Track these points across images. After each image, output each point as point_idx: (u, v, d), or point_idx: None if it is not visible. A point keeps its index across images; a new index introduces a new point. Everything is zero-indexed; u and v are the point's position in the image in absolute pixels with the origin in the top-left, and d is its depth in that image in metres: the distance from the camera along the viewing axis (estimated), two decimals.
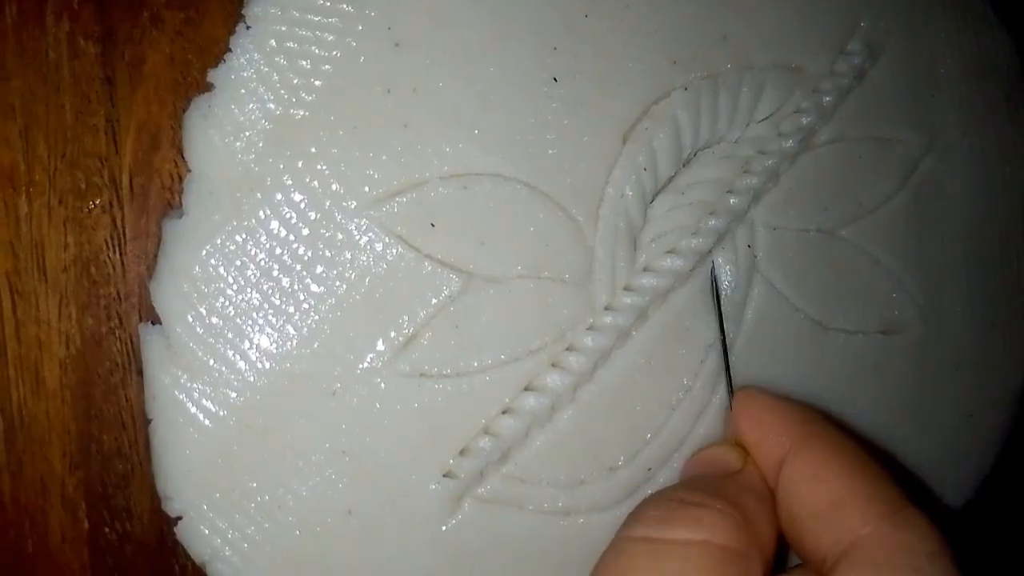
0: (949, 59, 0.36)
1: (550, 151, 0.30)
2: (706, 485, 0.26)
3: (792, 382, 0.33)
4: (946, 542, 0.23)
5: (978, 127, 0.36)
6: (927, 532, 0.23)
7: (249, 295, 0.28)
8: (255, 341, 0.28)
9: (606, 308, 0.30)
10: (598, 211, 0.30)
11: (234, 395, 0.28)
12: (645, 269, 0.31)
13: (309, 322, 0.28)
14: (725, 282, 0.32)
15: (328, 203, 0.28)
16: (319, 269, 0.28)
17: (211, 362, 0.27)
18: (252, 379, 0.28)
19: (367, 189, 0.28)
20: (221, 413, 0.27)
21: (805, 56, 0.33)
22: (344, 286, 0.28)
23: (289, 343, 0.28)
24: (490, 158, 0.29)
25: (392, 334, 0.28)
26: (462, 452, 0.29)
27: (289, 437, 0.28)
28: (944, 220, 0.36)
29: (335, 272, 0.28)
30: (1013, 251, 0.38)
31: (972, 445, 0.36)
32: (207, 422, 0.27)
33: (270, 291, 0.28)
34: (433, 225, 0.29)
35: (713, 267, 0.31)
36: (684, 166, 0.32)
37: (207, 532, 0.28)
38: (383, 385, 0.28)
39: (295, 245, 0.28)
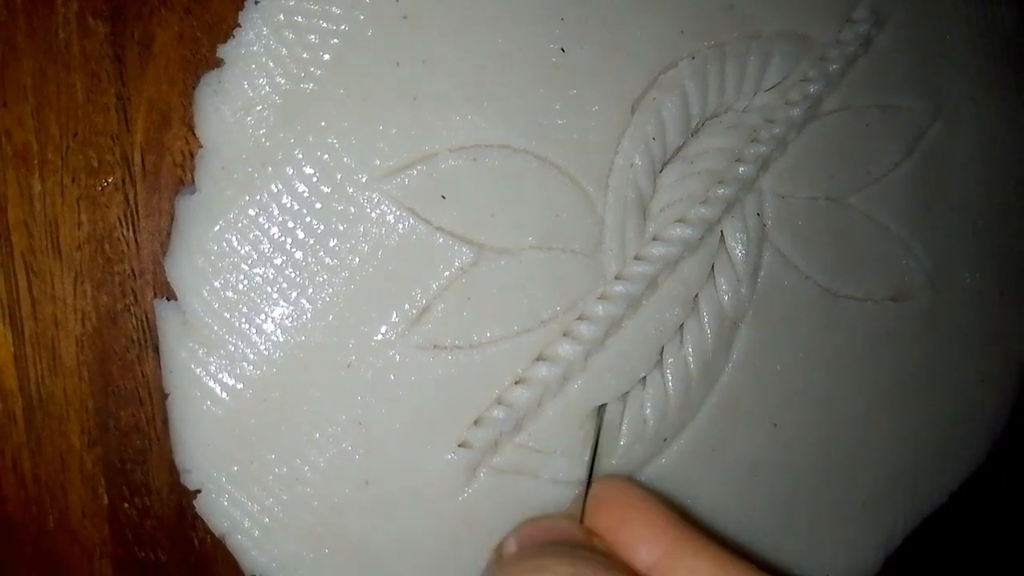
0: (956, 27, 0.36)
1: (559, 121, 0.30)
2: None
3: (803, 349, 0.33)
4: None
5: (986, 95, 0.36)
6: None
7: (263, 269, 0.28)
8: (270, 315, 0.28)
9: (616, 277, 0.31)
10: (607, 181, 0.31)
11: (250, 368, 0.28)
12: (655, 238, 0.31)
13: (323, 295, 0.28)
14: (738, 251, 0.32)
15: (339, 176, 0.28)
16: (332, 242, 0.28)
17: (227, 336, 0.28)
18: (268, 352, 0.28)
19: (378, 162, 0.28)
20: (238, 386, 0.28)
21: (812, 24, 0.33)
22: (357, 259, 0.28)
23: (303, 316, 0.28)
24: (499, 130, 0.29)
25: (405, 306, 0.29)
26: (476, 422, 0.29)
27: (305, 409, 0.28)
28: (951, 187, 0.36)
29: (348, 245, 0.28)
30: (1018, 219, 0.38)
31: (985, 409, 0.36)
32: (224, 395, 0.28)
33: (284, 265, 0.28)
34: (444, 197, 0.29)
35: (601, 412, 0.31)
36: (692, 135, 0.32)
37: (226, 504, 0.28)
38: (397, 357, 0.29)
39: (308, 219, 0.28)
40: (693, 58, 0.31)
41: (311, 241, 0.28)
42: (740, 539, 0.33)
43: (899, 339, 0.35)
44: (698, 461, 0.32)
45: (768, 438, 0.33)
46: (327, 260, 0.28)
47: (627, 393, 0.31)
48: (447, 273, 0.29)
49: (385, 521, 0.29)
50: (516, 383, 0.30)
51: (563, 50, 0.30)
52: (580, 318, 0.30)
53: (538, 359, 0.30)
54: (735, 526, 0.32)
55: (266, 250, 0.28)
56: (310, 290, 0.28)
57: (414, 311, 0.29)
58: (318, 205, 0.28)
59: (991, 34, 0.37)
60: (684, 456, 0.32)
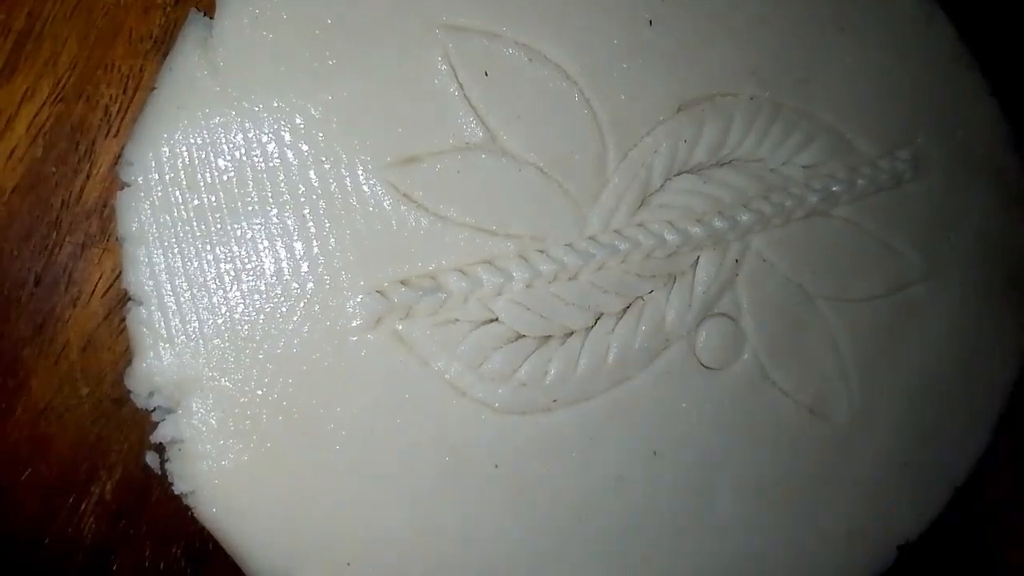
0: (974, 218, 0.38)
1: (621, 66, 0.31)
2: None
3: (708, 406, 0.33)
4: None
5: (975, 288, 0.38)
6: None
7: None
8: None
9: (590, 236, 0.32)
10: (629, 151, 0.32)
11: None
12: (640, 224, 0.32)
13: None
14: (702, 281, 0.33)
15: None
16: None
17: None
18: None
19: None
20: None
21: (861, 137, 0.35)
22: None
23: None
24: (558, 48, 0.31)
25: (401, 142, 0.29)
26: (403, 282, 0.30)
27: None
28: (915, 346, 0.37)
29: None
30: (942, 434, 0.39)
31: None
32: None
33: None
34: (487, 74, 0.30)
35: None
36: (717, 163, 0.34)
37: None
38: (368, 182, 0.29)
39: None
40: (752, 99, 0.33)
41: None
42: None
43: (805, 446, 0.35)
44: (572, 440, 0.32)
45: (642, 461, 0.33)
46: None
47: (548, 337, 0.31)
48: (452, 140, 0.30)
49: (278, 327, 0.29)
50: (456, 269, 0.30)
51: (651, 22, 0.32)
52: (541, 251, 0.31)
53: (485, 261, 0.30)
54: (548, 524, 0.32)
55: None
56: None
57: (405, 153, 0.29)
58: None
59: (998, 244, 0.39)
60: (562, 427, 0.32)
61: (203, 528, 0.29)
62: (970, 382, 0.39)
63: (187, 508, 0.28)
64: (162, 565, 0.30)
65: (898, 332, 0.37)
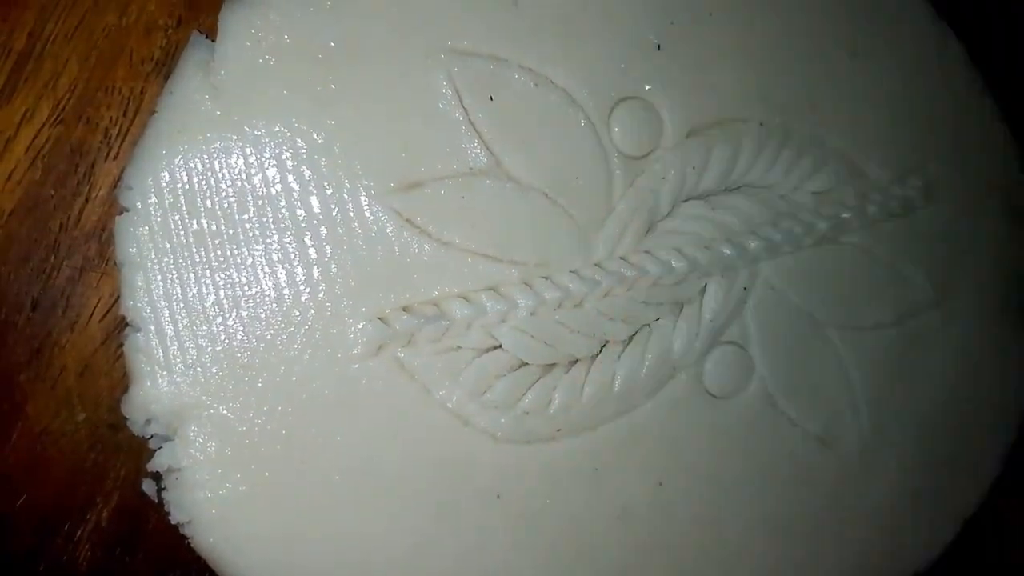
0: (986, 244, 0.37)
1: (629, 91, 0.31)
2: None
3: (720, 431, 0.33)
4: None
5: (987, 315, 0.37)
6: None
7: None
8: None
9: (596, 264, 0.31)
10: (636, 177, 0.31)
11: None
12: (647, 251, 0.32)
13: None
14: (710, 309, 0.32)
15: None
16: None
17: None
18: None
19: None
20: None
21: (871, 163, 0.35)
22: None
23: None
24: (565, 73, 0.30)
25: (404, 167, 0.29)
26: (405, 308, 0.29)
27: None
28: (926, 374, 0.36)
29: None
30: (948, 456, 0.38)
31: None
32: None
33: None
34: (492, 99, 0.30)
35: None
36: (726, 190, 0.33)
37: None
38: (371, 208, 0.29)
39: None
40: (761, 124, 0.33)
41: None
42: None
43: (815, 476, 0.34)
44: (576, 471, 0.31)
45: (649, 492, 0.32)
46: None
47: (553, 365, 0.31)
48: (456, 165, 0.30)
49: (278, 354, 0.28)
50: (459, 296, 0.30)
51: (659, 47, 0.31)
52: (546, 277, 0.31)
53: (489, 288, 0.30)
54: (551, 557, 0.31)
55: None
56: None
57: (410, 179, 0.29)
58: None
59: (1008, 275, 0.38)
60: (567, 457, 0.31)
61: (200, 558, 0.28)
62: (982, 411, 0.38)
63: (184, 537, 0.28)
64: None
65: (909, 360, 0.36)
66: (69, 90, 0.28)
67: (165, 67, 0.28)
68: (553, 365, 0.31)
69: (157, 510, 0.29)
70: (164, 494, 0.27)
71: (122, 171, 0.27)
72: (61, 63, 0.28)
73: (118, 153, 0.28)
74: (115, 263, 0.27)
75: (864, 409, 0.35)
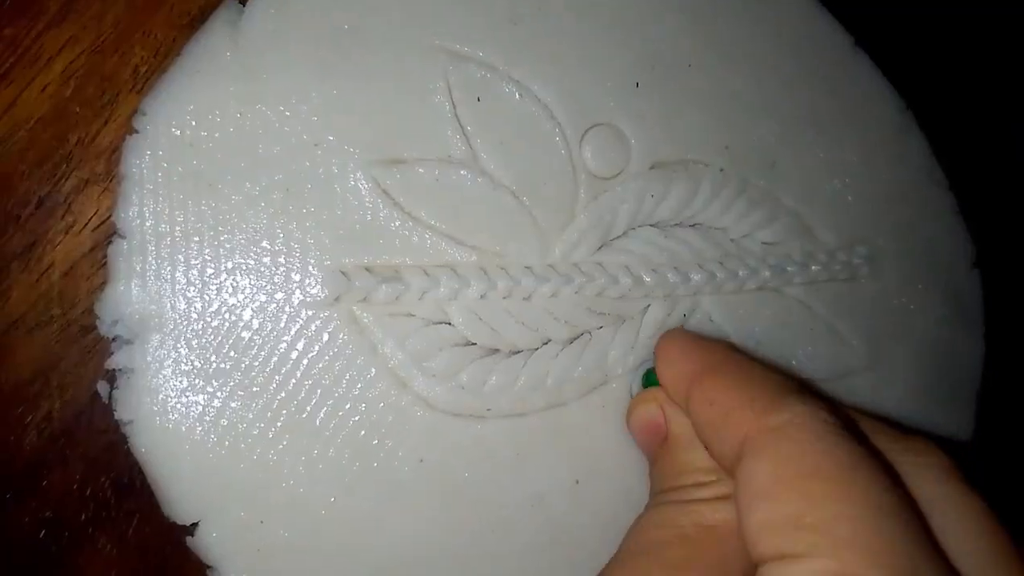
0: (924, 325, 0.40)
1: (604, 119, 0.34)
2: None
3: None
4: (825, 415, 0.25)
5: (916, 391, 0.39)
6: (800, 411, 0.25)
7: None
8: None
9: (549, 264, 0.34)
10: (599, 194, 0.34)
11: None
12: (599, 263, 0.34)
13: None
14: (648, 329, 0.35)
15: None
16: None
17: None
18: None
19: None
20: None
21: (821, 226, 0.38)
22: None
23: None
24: (549, 92, 0.34)
25: (390, 143, 0.32)
26: (367, 268, 0.32)
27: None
28: None
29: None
30: None
31: None
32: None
33: None
34: (479, 99, 0.33)
35: None
36: (680, 223, 0.36)
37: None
38: (352, 175, 0.32)
39: None
40: (721, 171, 0.36)
41: None
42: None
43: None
44: (499, 451, 0.33)
45: (564, 486, 0.34)
46: None
47: (495, 351, 0.33)
48: (436, 151, 0.33)
49: (243, 286, 0.31)
50: (418, 267, 0.32)
51: (637, 84, 0.35)
52: (501, 267, 0.33)
53: (447, 266, 0.33)
54: (464, 525, 0.33)
55: None
56: None
57: (392, 154, 0.32)
58: None
59: (948, 354, 0.40)
60: (492, 436, 0.33)
61: (134, 464, 0.30)
62: None
63: (124, 440, 0.30)
64: (89, 491, 0.31)
65: None
66: (112, 26, 0.31)
67: (198, 24, 0.32)
68: (496, 351, 0.33)
69: (105, 414, 0.31)
70: (114, 393, 0.30)
71: (141, 101, 0.30)
72: (110, 3, 0.31)
73: (142, 88, 0.32)
74: (118, 180, 0.30)
75: None
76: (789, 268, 0.37)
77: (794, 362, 0.37)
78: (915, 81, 0.40)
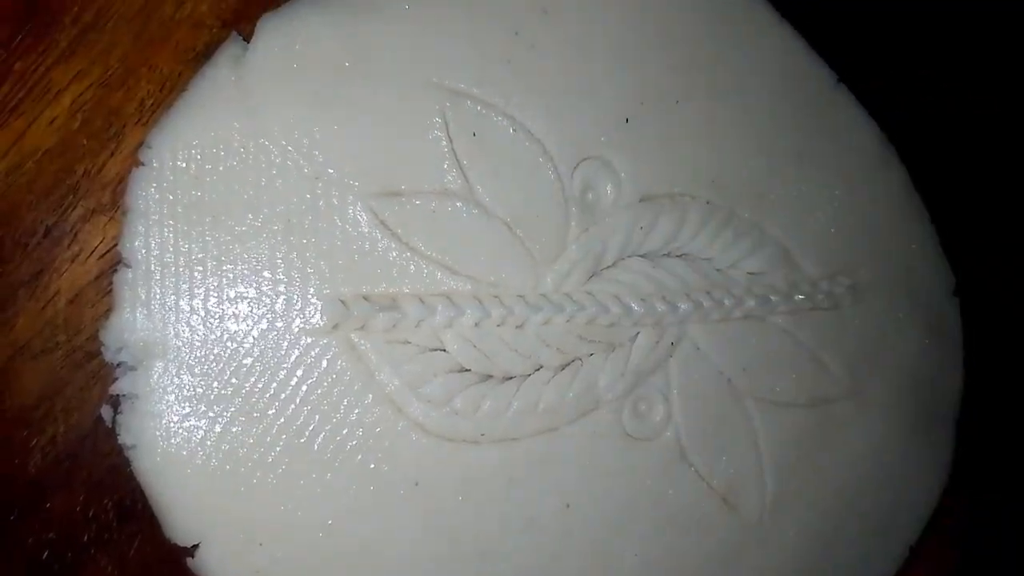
0: (906, 354, 0.41)
1: (595, 154, 0.35)
2: None
3: (618, 478, 0.36)
4: None
5: (899, 419, 0.40)
6: None
7: None
8: None
9: (542, 294, 0.35)
10: (589, 226, 0.35)
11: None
12: (589, 292, 0.36)
13: None
14: (637, 357, 0.36)
15: None
16: None
17: None
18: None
19: None
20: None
21: (805, 257, 0.39)
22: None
23: None
24: (542, 128, 0.35)
25: (388, 175, 0.33)
26: (365, 297, 0.33)
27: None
28: (834, 463, 0.39)
29: None
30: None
31: None
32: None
33: None
34: (475, 134, 0.34)
35: None
36: (668, 254, 0.37)
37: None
38: (351, 207, 0.33)
39: None
40: (708, 203, 0.37)
41: None
42: None
43: (714, 532, 0.37)
44: (492, 476, 0.34)
45: (555, 510, 0.35)
46: None
47: (489, 377, 0.34)
48: (433, 184, 0.34)
49: (243, 315, 0.32)
50: (415, 296, 0.33)
51: (627, 120, 0.36)
52: (495, 296, 0.34)
53: (443, 294, 0.34)
54: (456, 549, 0.34)
55: None
56: None
57: (391, 187, 0.33)
58: None
59: (928, 381, 0.41)
60: (486, 461, 0.34)
61: (136, 487, 0.31)
62: (884, 507, 0.40)
63: (126, 463, 0.31)
64: (91, 512, 0.32)
65: (818, 445, 0.39)
66: (119, 61, 0.32)
67: (204, 59, 0.33)
68: (489, 377, 0.34)
69: (108, 437, 0.32)
70: (118, 418, 0.31)
71: (147, 134, 0.31)
72: (117, 38, 0.32)
73: (148, 121, 0.33)
74: (123, 211, 0.31)
75: (770, 480, 0.38)
76: (773, 298, 0.38)
77: (778, 388, 0.38)
78: (895, 113, 0.41)
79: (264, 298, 0.32)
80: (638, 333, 0.36)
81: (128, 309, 0.31)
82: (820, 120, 0.40)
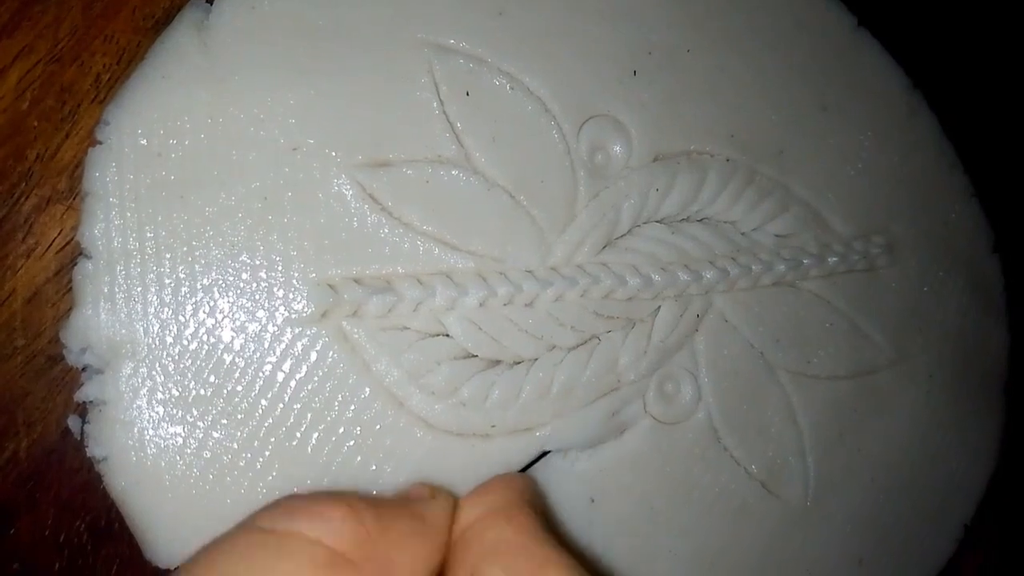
0: (948, 315, 0.38)
1: (602, 110, 0.32)
2: (361, 499, 0.26)
3: (650, 459, 0.32)
4: None
5: (945, 386, 0.37)
6: None
7: None
8: None
9: (551, 267, 0.32)
10: (600, 191, 0.32)
11: None
12: (604, 264, 0.32)
13: None
14: (660, 332, 0.33)
15: None
16: None
17: None
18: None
19: None
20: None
21: (836, 215, 0.36)
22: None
23: None
24: (542, 83, 0.32)
25: (373, 144, 0.30)
26: (357, 279, 0.29)
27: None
28: (878, 436, 0.36)
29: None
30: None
31: None
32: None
33: None
34: (468, 94, 0.31)
35: None
36: (687, 218, 0.34)
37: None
38: (338, 178, 0.29)
39: None
40: (728, 160, 0.34)
41: None
42: None
43: (754, 520, 0.34)
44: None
45: (578, 505, 0.32)
46: None
47: (498, 362, 0.31)
48: (425, 151, 0.30)
49: (221, 305, 0.28)
50: (411, 276, 0.30)
51: (635, 72, 0.33)
52: (500, 272, 0.31)
53: (442, 273, 0.30)
54: None
55: None
56: None
57: (379, 157, 0.30)
58: None
59: (973, 347, 0.38)
60: (497, 455, 0.31)
61: (111, 506, 0.28)
62: (935, 484, 0.37)
63: (98, 478, 0.27)
64: (63, 537, 0.29)
65: (861, 418, 0.36)
66: (69, 33, 0.29)
67: (164, 27, 0.30)
68: (498, 362, 0.31)
69: (77, 451, 0.28)
70: (86, 427, 0.27)
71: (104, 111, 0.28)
72: (65, 9, 0.29)
73: (105, 98, 0.29)
74: (81, 197, 0.28)
75: (812, 460, 0.35)
76: (805, 261, 0.35)
77: (814, 360, 0.35)
78: (921, 59, 0.38)
79: (242, 286, 0.29)
80: (660, 306, 0.33)
81: (90, 305, 0.27)
82: (841, 67, 0.37)
